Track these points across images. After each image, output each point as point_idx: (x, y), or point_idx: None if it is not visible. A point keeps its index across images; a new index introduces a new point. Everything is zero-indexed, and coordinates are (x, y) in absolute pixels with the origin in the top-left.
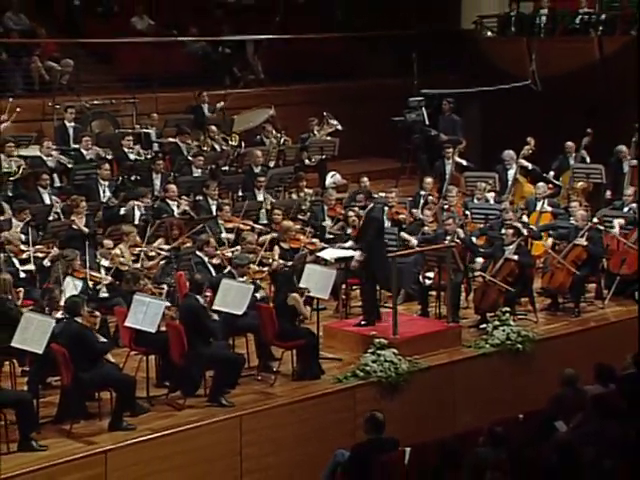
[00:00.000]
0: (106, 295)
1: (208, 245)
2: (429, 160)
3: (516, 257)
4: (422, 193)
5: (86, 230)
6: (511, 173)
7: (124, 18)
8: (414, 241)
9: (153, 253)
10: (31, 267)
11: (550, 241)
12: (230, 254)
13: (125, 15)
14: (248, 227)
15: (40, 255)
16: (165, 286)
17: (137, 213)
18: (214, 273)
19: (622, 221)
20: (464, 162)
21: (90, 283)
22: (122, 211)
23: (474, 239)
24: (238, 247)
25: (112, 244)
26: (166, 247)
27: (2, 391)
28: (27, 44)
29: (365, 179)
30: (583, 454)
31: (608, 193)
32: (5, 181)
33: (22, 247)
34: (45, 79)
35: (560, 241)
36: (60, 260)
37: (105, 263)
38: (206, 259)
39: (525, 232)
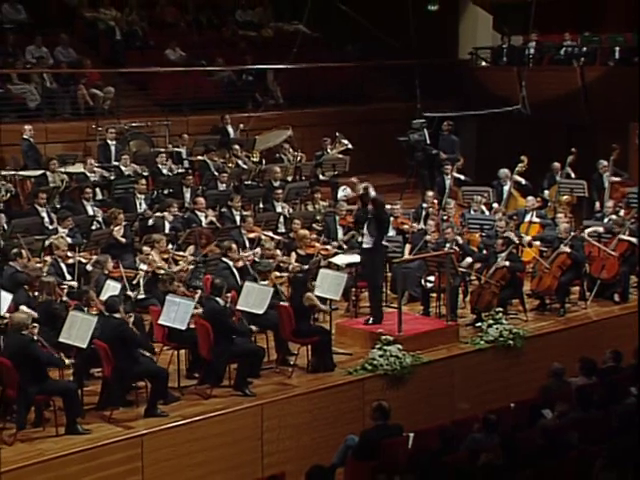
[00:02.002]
0: (143, 296)
1: (231, 251)
2: (430, 176)
3: (507, 263)
4: (424, 205)
5: (123, 241)
6: (506, 188)
7: (159, 51)
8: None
9: (180, 259)
10: (74, 283)
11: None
12: (252, 258)
13: (160, 48)
14: (268, 237)
15: (84, 260)
16: (199, 291)
17: (167, 223)
18: (238, 277)
19: (600, 229)
20: (461, 177)
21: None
22: (150, 221)
23: (484, 252)
24: (257, 251)
25: (150, 250)
26: (191, 253)
27: (51, 381)
28: (74, 74)
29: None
30: (567, 439)
31: (597, 205)
32: (54, 194)
33: (68, 253)
34: (90, 104)
35: (547, 244)
36: (96, 265)
37: (143, 267)
38: (231, 264)
39: (516, 240)
